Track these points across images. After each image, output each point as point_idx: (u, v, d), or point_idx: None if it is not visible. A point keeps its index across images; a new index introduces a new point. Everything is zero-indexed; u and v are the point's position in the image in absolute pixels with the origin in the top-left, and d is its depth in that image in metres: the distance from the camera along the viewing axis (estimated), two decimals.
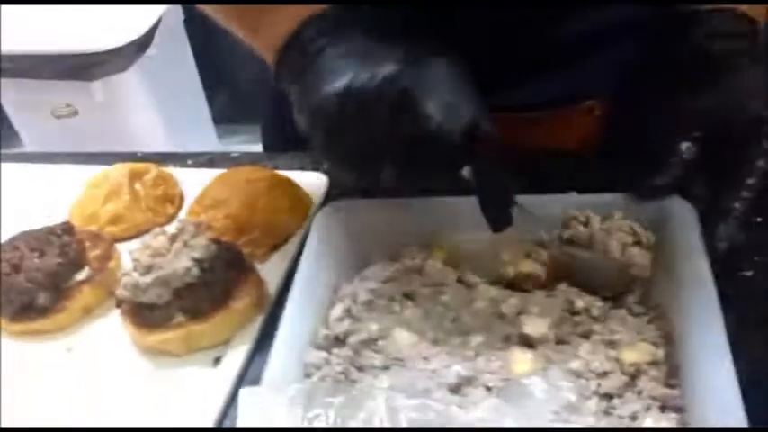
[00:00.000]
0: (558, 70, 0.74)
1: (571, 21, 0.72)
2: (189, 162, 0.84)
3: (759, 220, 0.65)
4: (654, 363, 0.51)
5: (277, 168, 0.77)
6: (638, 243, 0.57)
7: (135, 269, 0.63)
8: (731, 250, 0.58)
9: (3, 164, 0.88)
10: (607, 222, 0.58)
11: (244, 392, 0.47)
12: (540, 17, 0.70)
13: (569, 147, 0.80)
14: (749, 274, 0.62)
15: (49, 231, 0.70)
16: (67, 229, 0.70)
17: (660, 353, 0.52)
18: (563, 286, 0.57)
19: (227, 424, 0.57)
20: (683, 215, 0.57)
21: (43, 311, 0.66)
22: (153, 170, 0.78)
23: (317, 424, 0.44)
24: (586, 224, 0.58)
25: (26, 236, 0.70)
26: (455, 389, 0.50)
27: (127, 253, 0.68)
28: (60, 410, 0.60)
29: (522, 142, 0.76)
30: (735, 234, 0.57)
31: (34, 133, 1.87)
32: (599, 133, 0.79)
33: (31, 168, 0.88)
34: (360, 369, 0.54)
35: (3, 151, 0.97)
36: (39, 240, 0.69)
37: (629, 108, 0.73)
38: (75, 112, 1.78)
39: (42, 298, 0.66)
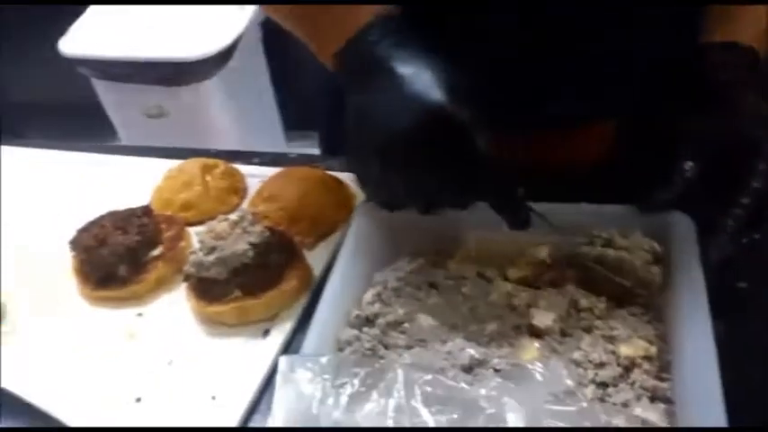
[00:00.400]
0: (584, 91, 0.73)
1: (597, 47, 0.70)
2: (255, 160, 0.85)
3: (756, 236, 0.64)
4: (647, 357, 0.51)
5: (328, 169, 0.77)
6: (656, 261, 0.56)
7: (200, 249, 0.64)
8: (727, 263, 0.57)
9: (100, 155, 0.92)
10: (627, 241, 0.57)
11: (282, 360, 0.48)
12: (571, 40, 0.68)
13: (587, 161, 0.80)
14: (744, 285, 0.61)
15: (131, 213, 0.72)
16: (147, 211, 0.72)
17: (653, 349, 0.51)
18: (571, 287, 0.57)
19: (270, 390, 0.58)
20: (682, 228, 0.56)
21: (122, 281, 0.68)
22: (221, 165, 0.79)
23: (342, 391, 0.45)
24: (610, 243, 0.57)
25: (112, 215, 0.72)
26: (467, 369, 0.51)
27: (195, 235, 0.70)
28: (128, 366, 0.62)
29: (543, 156, 0.76)
30: (730, 248, 0.56)
31: (128, 130, 1.92)
32: (612, 149, 0.78)
33: (123, 159, 0.91)
34: (386, 347, 0.54)
35: (101, 144, 1.01)
36: (122, 220, 0.70)
37: (641, 128, 0.71)
38: (165, 113, 1.82)
39: (122, 270, 0.68)
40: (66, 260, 0.72)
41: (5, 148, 0.96)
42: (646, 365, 0.50)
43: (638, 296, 0.56)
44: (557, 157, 0.79)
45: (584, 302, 0.55)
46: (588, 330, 0.54)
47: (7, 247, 0.77)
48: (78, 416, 0.58)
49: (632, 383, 0.49)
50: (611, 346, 0.52)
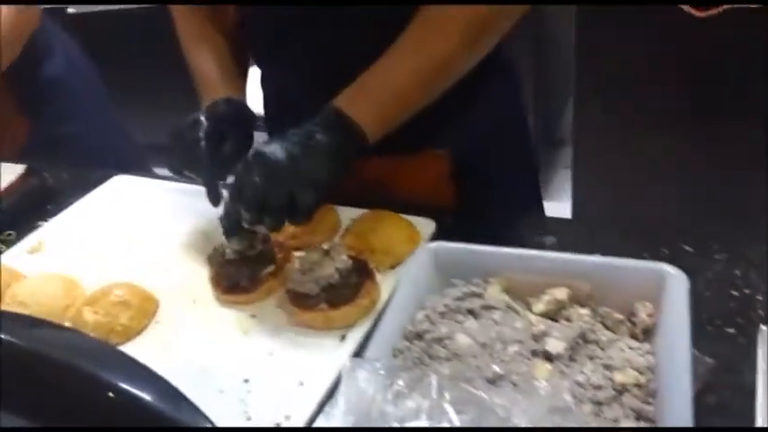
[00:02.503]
0: (418, 123, 0.72)
1: None
2: (342, 201, 0.87)
3: (747, 291, 0.62)
4: (637, 385, 0.51)
5: (399, 212, 0.79)
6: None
7: (300, 270, 0.69)
8: (717, 313, 0.56)
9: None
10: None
11: (349, 361, 0.51)
12: None
13: (426, 185, 0.84)
14: (732, 331, 0.60)
15: (255, 238, 0.74)
16: (266, 238, 0.75)
17: (643, 378, 0.51)
18: (581, 322, 0.57)
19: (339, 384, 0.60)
20: (676, 282, 0.56)
21: (243, 290, 0.72)
22: (323, 206, 0.83)
23: (391, 389, 0.48)
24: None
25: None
26: (491, 381, 0.52)
27: (296, 258, 0.74)
28: (241, 353, 0.66)
29: (387, 181, 0.82)
30: (719, 299, 0.56)
31: None
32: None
33: None
34: (430, 357, 0.56)
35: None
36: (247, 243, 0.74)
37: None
38: None
39: (245, 281, 0.72)
40: (204, 271, 0.77)
41: (147, 180, 1.00)
42: (635, 391, 0.51)
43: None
44: (394, 180, 0.83)
45: (590, 336, 0.56)
46: (591, 358, 0.54)
47: (158, 259, 0.83)
48: (200, 387, 0.61)
49: (622, 405, 0.50)
50: (608, 373, 0.53)
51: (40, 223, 0.94)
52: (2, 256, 0.88)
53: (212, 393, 0.62)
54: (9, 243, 0.91)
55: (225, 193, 0.74)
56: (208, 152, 0.76)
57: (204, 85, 0.86)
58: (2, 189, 0.99)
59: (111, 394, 0.46)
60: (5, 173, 1.03)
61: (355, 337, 0.66)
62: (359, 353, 0.64)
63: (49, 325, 0.56)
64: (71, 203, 0.97)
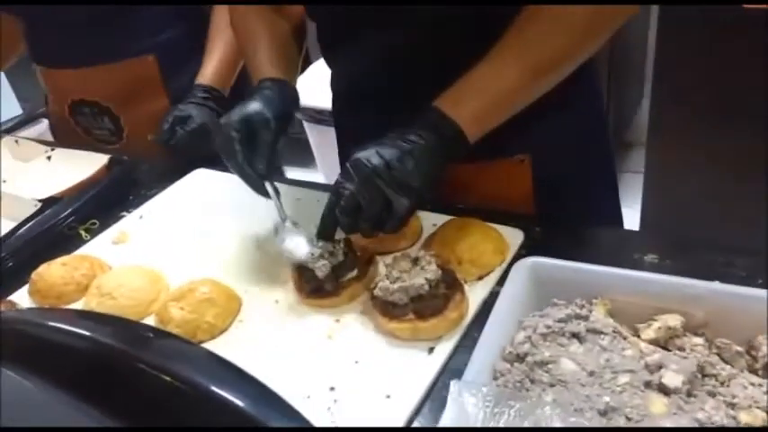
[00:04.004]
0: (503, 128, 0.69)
1: None
2: (428, 206, 0.87)
3: None
4: (765, 428, 0.47)
5: (487, 221, 0.77)
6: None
7: (387, 278, 0.66)
8: None
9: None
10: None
11: (453, 384, 0.49)
12: None
13: (506, 192, 0.82)
14: None
15: (336, 242, 0.72)
16: (348, 242, 0.74)
17: None
18: (698, 354, 0.53)
19: (431, 397, 0.58)
20: None
21: (327, 294, 0.70)
22: None
23: (500, 418, 0.45)
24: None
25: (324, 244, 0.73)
26: (602, 413, 0.49)
27: (382, 264, 0.73)
28: (326, 360, 0.64)
29: (468, 186, 0.80)
30: None
31: (325, 163, 2.02)
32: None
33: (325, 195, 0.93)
34: (532, 381, 0.54)
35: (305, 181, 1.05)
36: (330, 248, 0.72)
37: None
38: None
39: (328, 285, 0.70)
40: (286, 270, 0.76)
41: (227, 175, 0.94)
42: None
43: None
44: (475, 186, 0.81)
45: (709, 369, 0.52)
46: (712, 395, 0.50)
47: (238, 255, 0.82)
48: (288, 391, 0.60)
49: None
50: (732, 412, 0.49)
51: (122, 213, 0.95)
52: (87, 245, 0.89)
53: (300, 399, 0.60)
54: (92, 232, 0.93)
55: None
56: (240, 147, 0.72)
57: (255, 73, 0.84)
58: (87, 178, 1.01)
59: (211, 400, 0.44)
60: (90, 163, 1.05)
61: (444, 350, 0.63)
62: (446, 367, 0.62)
63: (143, 327, 0.56)
64: (153, 195, 0.97)
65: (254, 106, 0.73)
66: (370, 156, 0.63)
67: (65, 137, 1.27)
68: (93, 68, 1.15)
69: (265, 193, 0.75)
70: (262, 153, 0.73)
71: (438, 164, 0.65)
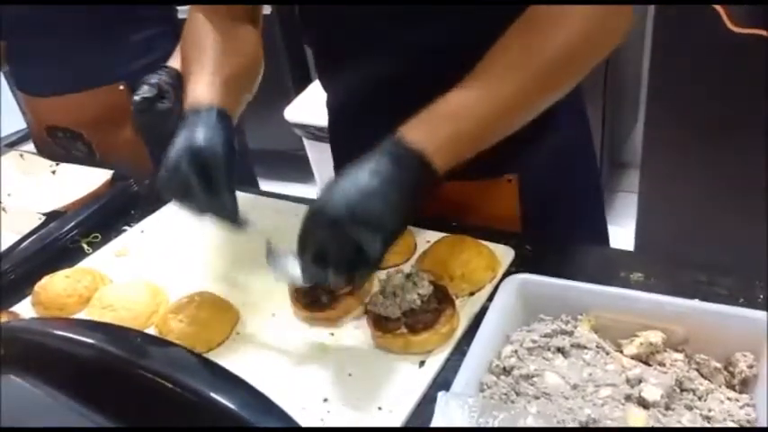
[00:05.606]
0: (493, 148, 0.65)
1: None
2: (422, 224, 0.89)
3: None
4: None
5: (480, 239, 0.78)
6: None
7: (381, 292, 0.68)
8: None
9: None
10: None
11: (441, 395, 0.51)
12: None
13: (495, 211, 0.82)
14: None
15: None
16: None
17: None
18: (677, 369, 0.55)
19: (418, 412, 0.59)
20: None
21: (322, 307, 0.72)
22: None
23: (487, 426, 0.47)
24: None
25: None
26: (584, 425, 0.51)
27: (377, 279, 0.74)
28: (320, 371, 0.66)
29: (459, 204, 0.80)
30: None
31: (326, 180, 2.04)
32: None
33: None
34: (517, 394, 0.55)
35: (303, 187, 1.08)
36: None
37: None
38: None
39: (324, 298, 0.72)
40: (283, 284, 0.76)
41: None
42: None
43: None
44: (465, 204, 0.81)
45: (687, 384, 0.54)
46: (689, 408, 0.52)
47: (237, 269, 0.83)
48: (283, 401, 0.60)
49: None
50: (708, 425, 0.51)
51: (124, 228, 0.98)
52: (90, 258, 0.91)
53: (295, 409, 0.61)
54: (94, 245, 0.95)
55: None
56: (200, 190, 0.65)
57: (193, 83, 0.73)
58: (90, 193, 1.03)
59: (210, 406, 0.46)
60: (94, 178, 1.07)
61: (434, 364, 0.65)
62: (436, 380, 0.64)
63: (148, 338, 0.58)
64: (155, 210, 1.00)
65: (199, 138, 0.65)
66: (335, 201, 0.57)
67: (49, 157, 1.29)
68: (65, 96, 1.19)
69: (238, 228, 0.69)
70: (222, 190, 0.65)
71: (404, 197, 0.58)
